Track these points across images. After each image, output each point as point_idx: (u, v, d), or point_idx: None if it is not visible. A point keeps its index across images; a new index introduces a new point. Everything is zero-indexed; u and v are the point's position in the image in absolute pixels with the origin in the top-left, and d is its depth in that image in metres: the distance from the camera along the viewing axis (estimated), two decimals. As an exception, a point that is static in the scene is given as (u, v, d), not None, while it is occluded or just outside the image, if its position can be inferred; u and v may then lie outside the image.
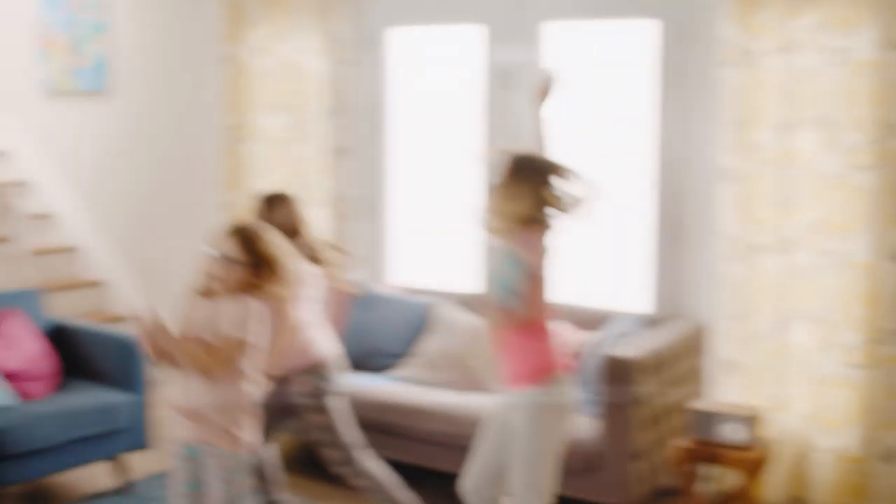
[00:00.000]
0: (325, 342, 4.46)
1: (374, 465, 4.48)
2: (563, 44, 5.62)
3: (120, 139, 7.26)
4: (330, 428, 4.43)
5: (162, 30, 6.98)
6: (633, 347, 4.72)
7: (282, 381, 4.38)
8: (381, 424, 5.09)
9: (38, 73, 7.71)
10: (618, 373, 4.55)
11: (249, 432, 3.69)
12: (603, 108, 5.65)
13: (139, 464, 5.47)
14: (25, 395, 5.02)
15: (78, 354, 5.37)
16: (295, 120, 6.40)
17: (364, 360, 5.55)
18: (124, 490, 5.20)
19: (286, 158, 6.43)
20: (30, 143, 7.95)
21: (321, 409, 4.42)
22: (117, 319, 7.20)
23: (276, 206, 4.45)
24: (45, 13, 7.63)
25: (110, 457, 5.15)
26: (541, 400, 3.65)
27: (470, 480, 3.87)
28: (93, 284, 7.39)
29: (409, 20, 6.12)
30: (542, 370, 3.65)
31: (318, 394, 4.41)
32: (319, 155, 6.33)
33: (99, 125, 7.38)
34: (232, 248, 3.57)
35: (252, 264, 3.59)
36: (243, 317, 3.58)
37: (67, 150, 7.64)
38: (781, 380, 5.01)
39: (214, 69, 6.62)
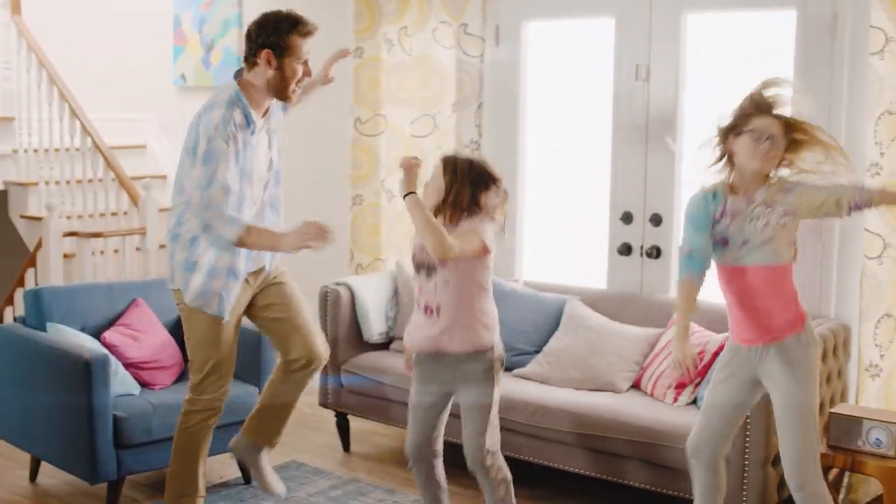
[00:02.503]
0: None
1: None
2: (699, 36, 5.44)
3: (252, 134, 7.29)
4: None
5: (294, 24, 6.99)
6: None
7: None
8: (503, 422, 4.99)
9: (173, 70, 7.85)
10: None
11: None
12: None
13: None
14: (150, 385, 5.05)
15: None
16: (426, 114, 6.32)
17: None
18: (247, 482, 5.19)
19: (416, 152, 6.35)
20: (165, 138, 8.10)
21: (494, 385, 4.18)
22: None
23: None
24: (178, 10, 7.76)
25: (234, 448, 5.13)
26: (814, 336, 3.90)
27: (699, 437, 4.02)
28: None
29: (542, 14, 6.01)
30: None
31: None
32: (450, 149, 6.24)
33: (232, 120, 7.43)
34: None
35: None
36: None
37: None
38: (928, 386, 4.75)
39: (347, 63, 6.58)
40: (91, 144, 7.17)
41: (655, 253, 5.55)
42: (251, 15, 7.22)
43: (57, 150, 7.38)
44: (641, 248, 5.61)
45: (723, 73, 5.45)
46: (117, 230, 6.90)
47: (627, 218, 5.64)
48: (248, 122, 4.17)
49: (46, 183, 7.35)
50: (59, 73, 7.35)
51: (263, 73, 4.18)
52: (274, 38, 4.16)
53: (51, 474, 5.25)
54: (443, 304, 4.08)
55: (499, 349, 4.17)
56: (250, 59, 4.21)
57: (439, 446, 4.30)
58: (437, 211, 4.09)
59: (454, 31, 6.12)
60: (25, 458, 5.34)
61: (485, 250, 4.02)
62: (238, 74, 4.28)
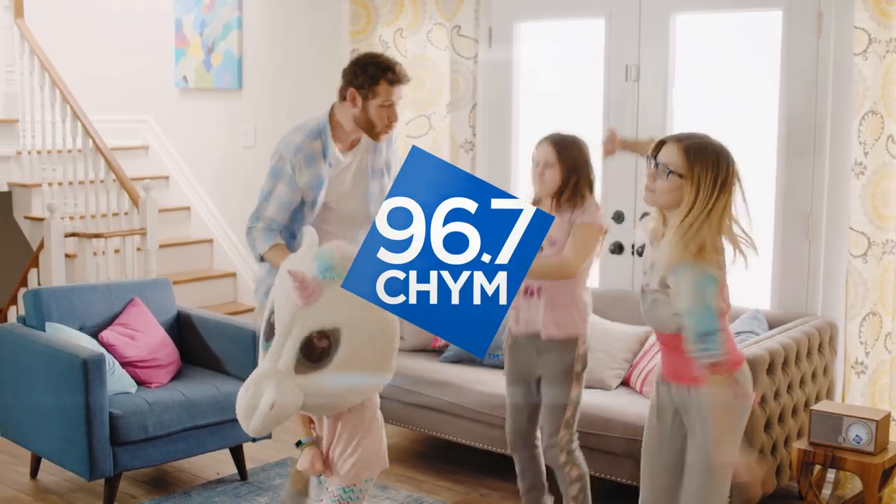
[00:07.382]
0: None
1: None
2: (687, 36, 5.50)
3: (252, 135, 7.38)
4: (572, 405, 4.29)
5: (292, 26, 7.07)
6: (755, 345, 4.57)
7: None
8: (495, 419, 5.05)
9: (174, 72, 7.93)
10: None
11: None
12: (728, 101, 5.51)
13: (259, 453, 5.54)
14: (147, 383, 5.13)
15: (200, 344, 5.47)
16: (421, 114, 6.39)
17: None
18: (243, 478, 5.26)
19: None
20: (166, 140, 8.18)
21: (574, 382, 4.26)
22: (247, 310, 7.34)
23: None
24: (179, 13, 7.84)
25: (229, 445, 5.21)
26: None
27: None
28: (225, 276, 7.56)
29: (534, 15, 6.07)
30: None
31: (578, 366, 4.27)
32: (445, 149, 6.31)
33: (232, 121, 7.53)
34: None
35: None
36: None
37: (202, 145, 7.82)
38: (912, 382, 4.81)
39: (343, 64, 6.66)
40: (92, 146, 7.24)
41: (646, 251, 5.60)
42: (251, 18, 7.35)
43: (60, 151, 7.45)
44: (633, 246, 5.67)
45: (710, 73, 5.52)
46: (118, 231, 6.98)
47: (619, 217, 5.70)
48: (325, 154, 4.34)
49: (49, 184, 7.43)
50: (62, 76, 7.43)
51: (350, 109, 4.33)
52: (362, 79, 4.29)
53: (51, 471, 5.33)
54: (544, 285, 4.13)
55: (585, 344, 4.23)
56: (341, 93, 4.38)
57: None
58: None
59: (448, 32, 6.19)
60: (26, 454, 5.43)
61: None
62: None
